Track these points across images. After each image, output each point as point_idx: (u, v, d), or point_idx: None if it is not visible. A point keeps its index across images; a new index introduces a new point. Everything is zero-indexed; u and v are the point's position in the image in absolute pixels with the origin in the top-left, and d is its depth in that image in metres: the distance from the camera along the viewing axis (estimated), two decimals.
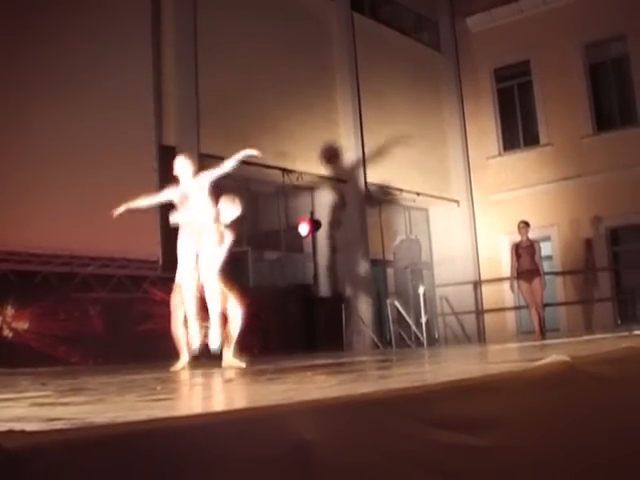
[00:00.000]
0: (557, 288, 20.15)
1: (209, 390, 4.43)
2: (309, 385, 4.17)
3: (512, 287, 14.91)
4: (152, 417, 2.26)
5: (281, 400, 2.66)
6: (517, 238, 19.53)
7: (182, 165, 8.81)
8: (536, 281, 14.19)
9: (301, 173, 16.64)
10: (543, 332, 14.39)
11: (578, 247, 20.12)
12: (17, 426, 2.00)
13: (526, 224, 14.76)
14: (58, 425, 2.16)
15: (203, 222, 8.50)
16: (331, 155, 17.59)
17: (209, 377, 6.70)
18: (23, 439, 1.71)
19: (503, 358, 6.45)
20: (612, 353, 4.19)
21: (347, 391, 3.05)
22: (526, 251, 14.36)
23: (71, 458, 1.73)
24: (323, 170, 17.43)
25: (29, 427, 1.99)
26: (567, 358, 3.50)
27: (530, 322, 16.20)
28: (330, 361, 8.42)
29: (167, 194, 8.80)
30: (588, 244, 20.02)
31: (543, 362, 3.44)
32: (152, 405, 3.44)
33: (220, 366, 8.00)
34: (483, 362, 6.32)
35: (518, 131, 22.06)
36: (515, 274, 14.49)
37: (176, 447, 1.92)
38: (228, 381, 5.54)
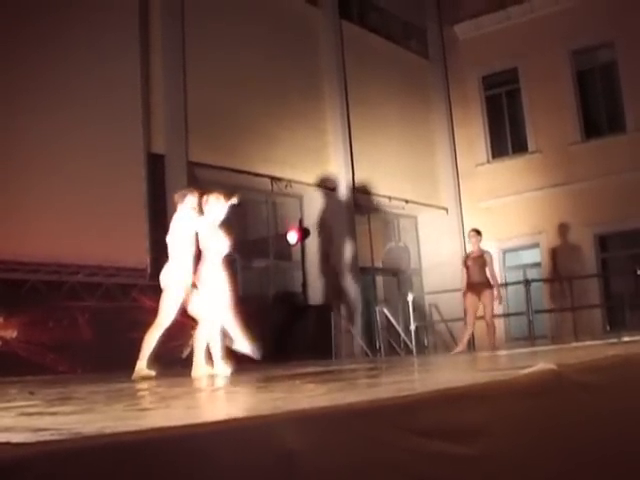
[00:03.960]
0: (545, 295, 20.18)
1: (195, 400, 4.43)
2: (297, 394, 4.17)
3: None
4: (139, 427, 2.27)
5: (268, 410, 2.66)
6: (507, 245, 19.56)
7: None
8: (486, 294, 13.22)
9: (290, 181, 16.66)
10: (494, 343, 13.50)
11: (566, 254, 20.15)
12: (4, 437, 2.00)
13: (477, 232, 13.80)
14: (45, 435, 2.16)
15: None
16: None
17: (196, 386, 6.69)
18: (9, 451, 1.71)
19: (491, 366, 6.46)
20: (599, 361, 4.20)
21: (335, 400, 3.05)
22: (475, 262, 13.39)
23: (58, 470, 1.73)
24: (312, 178, 17.45)
25: (16, 438, 2.00)
26: (554, 366, 3.50)
27: (520, 329, 16.15)
28: (319, 369, 8.42)
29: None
30: (576, 251, 20.05)
31: (530, 370, 3.45)
32: (140, 415, 3.44)
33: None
34: (471, 370, 6.33)
35: (506, 138, 22.11)
36: (464, 286, 13.63)
37: (163, 457, 1.92)
38: (215, 390, 5.54)
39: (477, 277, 13.27)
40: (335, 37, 18.65)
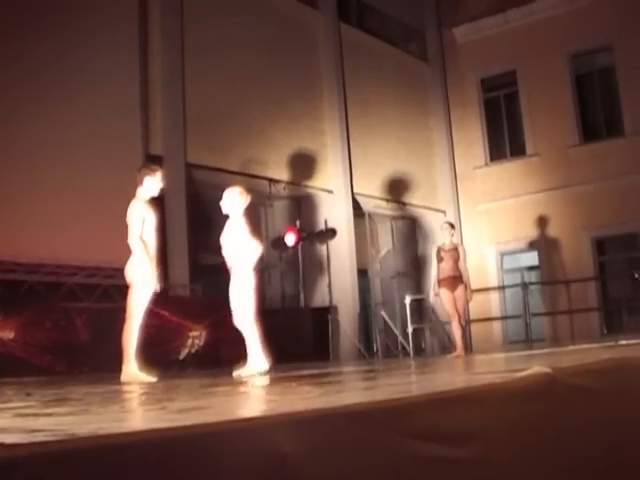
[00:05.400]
0: (543, 298, 20.21)
1: (191, 402, 4.43)
2: (293, 396, 4.17)
3: (434, 295, 12.98)
4: (134, 429, 2.27)
5: (262, 412, 2.66)
6: (505, 248, 19.53)
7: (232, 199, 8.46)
8: (459, 289, 12.46)
9: (287, 183, 16.67)
10: (466, 347, 12.99)
11: (564, 257, 20.18)
12: None
13: (451, 225, 13.28)
14: (40, 437, 2.16)
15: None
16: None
17: (191, 388, 6.69)
18: (2, 452, 1.71)
19: (487, 369, 6.46)
20: (594, 364, 4.19)
21: (330, 402, 3.05)
22: (449, 255, 12.56)
23: (51, 471, 1.73)
24: (310, 180, 17.46)
25: (10, 439, 1.99)
26: (549, 370, 3.50)
27: (517, 332, 16.08)
28: (316, 371, 8.42)
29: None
30: (574, 254, 20.08)
31: (524, 374, 3.45)
32: (135, 417, 3.44)
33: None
34: (467, 373, 6.33)
35: (505, 141, 22.17)
36: (436, 280, 12.76)
37: (156, 459, 1.92)
38: (211, 393, 5.54)
39: (450, 271, 12.51)
40: (334, 39, 18.68)
